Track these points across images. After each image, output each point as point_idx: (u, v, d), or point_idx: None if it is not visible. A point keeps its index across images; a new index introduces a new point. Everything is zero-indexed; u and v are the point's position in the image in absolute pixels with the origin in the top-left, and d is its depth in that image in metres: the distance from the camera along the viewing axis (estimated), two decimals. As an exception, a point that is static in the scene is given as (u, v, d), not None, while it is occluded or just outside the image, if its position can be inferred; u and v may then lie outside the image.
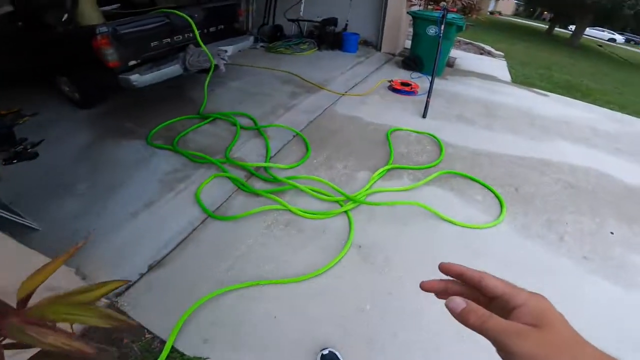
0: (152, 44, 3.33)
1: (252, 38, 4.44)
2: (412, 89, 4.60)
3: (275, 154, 3.12)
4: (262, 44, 6.50)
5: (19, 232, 1.99)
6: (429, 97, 4.05)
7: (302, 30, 6.67)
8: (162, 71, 3.34)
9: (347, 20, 6.45)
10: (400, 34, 6.27)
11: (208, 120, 3.58)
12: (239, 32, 4.37)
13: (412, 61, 5.50)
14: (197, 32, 3.55)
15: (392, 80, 4.81)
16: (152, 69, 3.29)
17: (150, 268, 1.97)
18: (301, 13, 6.71)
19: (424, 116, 4.00)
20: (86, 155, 2.97)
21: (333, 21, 6.37)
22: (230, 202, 2.55)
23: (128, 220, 2.24)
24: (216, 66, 3.78)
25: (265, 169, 2.86)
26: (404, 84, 4.68)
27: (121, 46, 3.05)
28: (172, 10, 3.41)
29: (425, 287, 0.42)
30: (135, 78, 3.15)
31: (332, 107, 4.04)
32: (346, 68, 5.27)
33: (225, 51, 3.93)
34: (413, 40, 5.52)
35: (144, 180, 2.63)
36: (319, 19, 6.44)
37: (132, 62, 3.26)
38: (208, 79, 3.82)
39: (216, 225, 2.33)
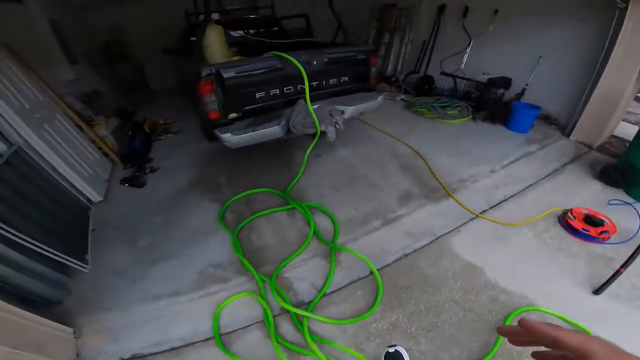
0: (257, 95, 2.95)
1: (381, 98, 3.59)
2: (601, 233, 2.53)
3: (331, 292, 2.24)
4: (403, 95, 5.59)
5: (67, 267, 2.34)
6: (625, 265, 2.10)
7: (458, 88, 5.37)
8: (258, 132, 2.88)
9: (526, 85, 4.76)
10: (611, 117, 4.03)
11: (285, 208, 2.98)
12: (367, 87, 3.61)
13: (620, 173, 3.17)
14: (307, 86, 2.96)
15: (569, 210, 2.77)
16: (248, 128, 2.89)
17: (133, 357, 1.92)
18: (462, 65, 5.42)
19: (596, 292, 2.13)
20: (170, 204, 3.17)
21: (504, 82, 4.75)
22: (245, 333, 2.00)
23: (147, 301, 2.22)
24: (323, 133, 3.13)
25: (302, 317, 2.02)
26: (590, 218, 2.64)
27: (224, 94, 2.75)
28: (283, 55, 2.91)
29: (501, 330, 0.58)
30: (227, 138, 2.81)
31: (448, 237, 2.65)
32: (503, 161, 3.65)
33: (342, 112, 3.24)
34: (636, 140, 3.19)
35: (189, 263, 2.49)
36: (485, 77, 4.99)
37: (233, 115, 2.94)
38: (309, 149, 3.23)
39: (212, 352, 1.92)
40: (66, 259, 2.27)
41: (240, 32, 4.88)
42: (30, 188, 2.52)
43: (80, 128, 3.80)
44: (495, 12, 4.93)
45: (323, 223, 2.81)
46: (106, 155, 4.05)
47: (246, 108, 2.96)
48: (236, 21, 5.23)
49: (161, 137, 4.87)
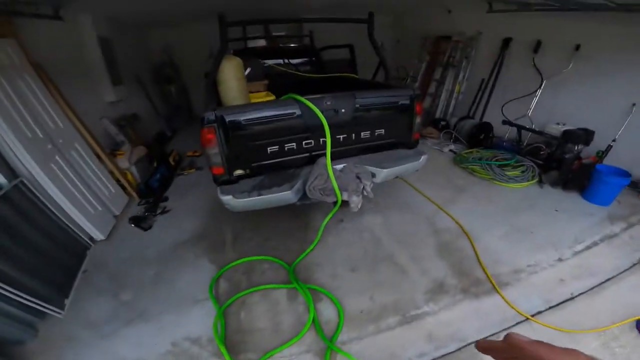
0: (269, 150, 2.50)
1: (424, 159, 2.94)
2: None
3: None
4: (453, 145, 4.86)
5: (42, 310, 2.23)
6: None
7: (522, 140, 4.51)
8: (265, 198, 2.42)
9: (613, 141, 3.79)
10: None
11: (286, 286, 2.47)
12: (408, 143, 3.02)
13: None
14: (329, 142, 2.46)
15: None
16: (253, 190, 2.44)
17: None
18: (529, 112, 4.57)
19: None
20: (168, 257, 2.93)
21: (583, 137, 3.81)
22: None
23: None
24: (345, 202, 2.60)
25: None
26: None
27: (228, 146, 2.35)
28: (301, 99, 2.41)
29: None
30: (227, 201, 2.41)
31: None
32: (575, 245, 2.83)
33: (373, 176, 2.68)
34: None
35: (165, 331, 2.22)
36: (559, 128, 4.06)
37: (239, 172, 2.53)
38: (327, 219, 2.73)
39: None
40: (39, 304, 2.19)
41: (274, 62, 4.61)
42: (25, 225, 2.46)
43: (100, 158, 3.67)
44: (577, 47, 4.07)
45: (327, 311, 2.27)
46: (124, 188, 3.90)
47: (255, 165, 2.53)
48: (272, 50, 4.96)
49: (184, 172, 4.69)
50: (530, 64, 4.57)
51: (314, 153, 2.61)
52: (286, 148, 2.51)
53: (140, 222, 3.47)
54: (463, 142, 5.00)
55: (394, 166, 2.71)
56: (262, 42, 6.41)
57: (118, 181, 3.84)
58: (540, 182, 3.86)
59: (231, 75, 2.63)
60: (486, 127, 4.84)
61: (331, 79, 4.35)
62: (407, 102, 2.81)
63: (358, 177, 2.57)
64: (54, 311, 2.26)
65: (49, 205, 2.77)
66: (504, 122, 4.54)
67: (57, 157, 3.06)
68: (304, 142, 2.54)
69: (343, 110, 2.55)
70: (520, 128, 4.34)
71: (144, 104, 6.15)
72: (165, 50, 7.16)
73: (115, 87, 4.97)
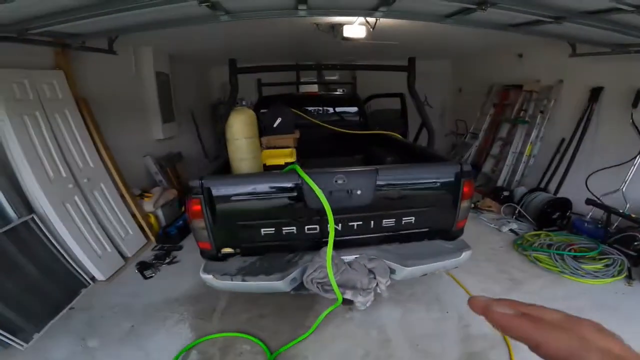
0: (263, 231, 2.11)
1: (466, 255, 2.26)
2: None
3: None
4: (515, 224, 3.96)
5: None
6: None
7: (610, 225, 3.44)
8: (248, 284, 2.06)
9: None
10: None
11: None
12: (448, 233, 2.36)
13: None
14: (331, 233, 1.97)
15: None
16: (237, 273, 2.07)
17: None
18: (623, 187, 3.53)
19: None
20: (152, 313, 2.70)
21: None
22: None
23: None
24: (347, 301, 2.06)
25: None
26: None
27: (214, 222, 2.03)
28: (303, 175, 1.98)
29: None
30: (207, 279, 2.10)
31: None
32: None
33: (391, 272, 2.12)
34: None
35: None
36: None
37: (228, 251, 2.20)
38: (324, 314, 2.20)
39: None
40: (2, 334, 2.22)
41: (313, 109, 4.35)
42: (24, 258, 2.58)
43: (125, 199, 3.68)
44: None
45: None
46: (144, 230, 3.84)
47: (246, 245, 2.16)
48: (309, 98, 4.74)
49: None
50: (628, 122, 3.60)
51: (318, 241, 2.15)
52: (284, 232, 2.10)
53: (145, 268, 3.31)
54: (529, 221, 4.03)
55: (422, 264, 2.12)
56: (309, 88, 6.37)
57: (139, 224, 3.79)
58: (629, 277, 2.84)
59: (240, 132, 2.36)
60: (562, 204, 3.86)
61: (368, 137, 3.94)
62: (452, 180, 2.18)
63: (372, 272, 2.03)
64: (17, 343, 2.26)
65: (55, 243, 2.83)
66: (589, 202, 3.53)
67: (75, 198, 3.08)
68: (307, 228, 2.10)
69: (359, 192, 2.05)
70: (611, 212, 3.30)
71: (193, 143, 6.32)
72: (222, 88, 7.50)
73: (166, 124, 5.11)
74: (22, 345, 2.27)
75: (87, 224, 3.11)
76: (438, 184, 2.18)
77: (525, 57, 5.23)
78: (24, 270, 2.55)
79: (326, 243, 2.00)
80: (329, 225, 1.94)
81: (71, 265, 2.89)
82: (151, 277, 3.20)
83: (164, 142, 5.18)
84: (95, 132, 3.48)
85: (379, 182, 2.05)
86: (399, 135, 3.55)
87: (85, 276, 2.99)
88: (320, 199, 1.89)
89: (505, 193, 4.65)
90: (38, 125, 2.86)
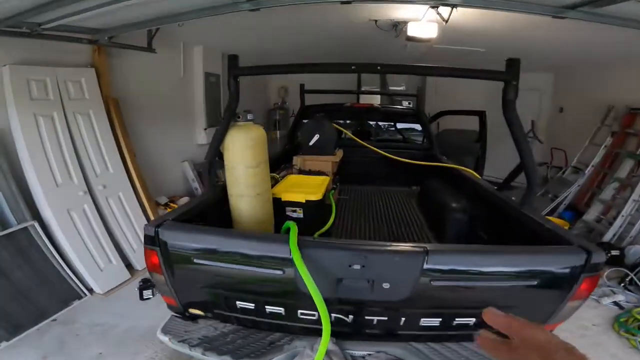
0: (239, 304, 1.48)
1: None
2: None
3: None
4: (621, 296, 2.74)
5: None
6: None
7: None
8: None
9: None
10: None
11: None
12: None
13: None
14: (326, 332, 1.24)
15: None
16: (199, 345, 1.47)
17: None
18: None
19: None
20: (127, 341, 2.37)
21: None
22: None
23: None
24: None
25: None
26: None
27: (173, 277, 1.47)
28: (293, 248, 1.26)
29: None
30: (164, 340, 1.56)
31: None
32: None
33: None
34: None
35: None
36: None
37: (197, 312, 1.61)
38: None
39: None
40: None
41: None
42: (16, 264, 2.44)
43: (144, 209, 3.39)
44: None
45: None
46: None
47: (219, 313, 1.54)
48: (363, 111, 3.97)
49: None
50: None
51: (314, 326, 1.42)
52: (267, 311, 1.43)
53: (146, 287, 2.92)
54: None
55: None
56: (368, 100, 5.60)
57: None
58: None
59: (238, 158, 1.74)
60: None
61: (429, 169, 3.07)
62: (564, 274, 1.27)
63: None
64: None
65: (53, 252, 2.64)
66: None
67: (84, 206, 2.83)
68: (299, 312, 1.40)
69: (387, 286, 1.28)
70: None
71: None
72: (279, 93, 7.16)
73: (210, 128, 4.83)
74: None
75: (92, 234, 2.84)
76: (538, 278, 1.28)
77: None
78: (13, 277, 2.41)
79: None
80: (323, 323, 1.20)
81: (68, 276, 2.68)
82: (148, 298, 2.81)
83: (205, 147, 4.90)
84: (121, 136, 3.24)
85: (427, 267, 1.24)
86: (476, 174, 2.61)
87: (83, 288, 2.75)
88: (312, 293, 1.17)
89: (614, 252, 3.36)
90: (53, 127, 2.65)
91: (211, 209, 1.78)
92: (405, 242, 2.27)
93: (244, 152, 1.75)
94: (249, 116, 1.78)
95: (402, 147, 3.85)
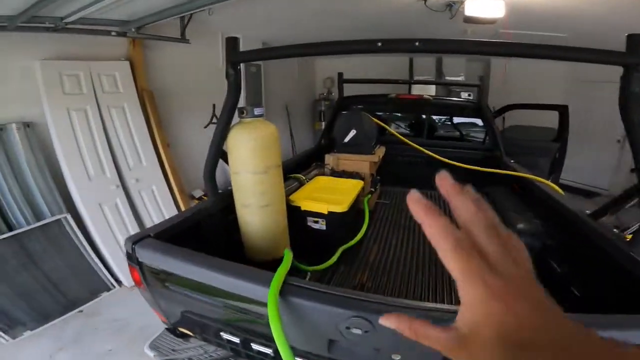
0: (224, 336, 1.23)
1: None
2: None
3: None
4: None
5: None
6: None
7: None
8: None
9: None
10: None
11: None
12: None
13: None
14: None
15: None
16: None
17: None
18: None
19: None
20: (139, 337, 2.28)
21: None
22: None
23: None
24: None
25: None
26: None
27: (162, 297, 1.30)
28: (272, 314, 0.88)
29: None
30: (149, 354, 1.44)
31: None
32: None
33: None
34: None
35: None
36: None
37: (186, 332, 1.42)
38: None
39: None
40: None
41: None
42: (47, 255, 2.48)
43: (177, 203, 3.35)
44: None
45: None
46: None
47: (207, 337, 1.31)
48: (412, 103, 3.43)
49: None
50: None
51: None
52: (254, 349, 1.15)
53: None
54: None
55: None
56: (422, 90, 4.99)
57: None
58: None
59: (243, 162, 1.47)
60: None
61: (491, 174, 2.51)
62: None
63: None
64: (2, 337, 2.17)
65: (85, 244, 2.66)
66: None
67: (117, 200, 2.83)
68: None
69: (398, 359, 0.89)
70: None
71: (284, 142, 5.90)
72: (324, 84, 6.84)
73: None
74: (6, 340, 2.17)
75: (123, 228, 2.84)
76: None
77: None
78: (46, 267, 2.47)
79: None
80: None
81: (99, 268, 2.71)
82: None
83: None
84: (156, 128, 3.20)
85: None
86: (558, 188, 2.00)
87: (112, 280, 2.77)
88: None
89: None
90: (86, 121, 2.65)
91: (211, 220, 1.54)
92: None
93: (247, 155, 1.47)
94: (257, 111, 1.48)
95: (459, 147, 3.30)
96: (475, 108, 3.09)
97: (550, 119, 3.99)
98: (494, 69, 5.70)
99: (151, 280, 1.23)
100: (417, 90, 5.30)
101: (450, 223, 0.28)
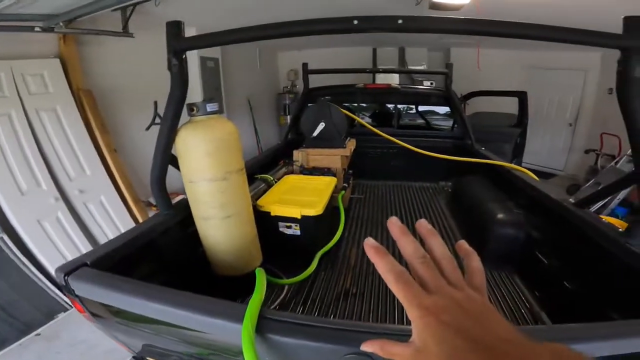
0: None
1: None
2: None
3: None
4: None
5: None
6: None
7: None
8: None
9: None
10: None
11: None
12: None
13: None
14: None
15: None
16: None
17: None
18: None
19: None
20: None
21: None
22: None
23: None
24: None
25: None
26: None
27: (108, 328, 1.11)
28: (245, 326, 0.78)
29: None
30: None
31: None
32: None
33: None
34: None
35: None
36: None
37: None
38: None
39: None
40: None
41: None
42: None
43: (132, 213, 3.02)
44: None
45: None
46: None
47: None
48: (379, 93, 3.33)
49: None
50: None
51: None
52: None
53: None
54: None
55: None
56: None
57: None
58: None
59: (198, 169, 1.26)
60: None
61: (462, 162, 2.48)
62: None
63: None
64: None
65: (27, 263, 2.35)
66: None
67: (58, 214, 2.49)
68: None
69: None
70: None
71: (248, 137, 5.64)
72: (288, 76, 6.62)
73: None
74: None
75: (71, 244, 2.52)
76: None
77: None
78: None
79: None
80: None
81: (48, 288, 2.42)
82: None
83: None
84: (98, 132, 2.84)
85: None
86: (534, 175, 1.97)
87: (67, 299, 2.44)
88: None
89: None
90: (11, 127, 2.27)
91: (167, 237, 1.33)
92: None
93: (202, 160, 1.26)
94: (210, 107, 1.27)
95: (428, 136, 3.27)
96: (444, 96, 3.06)
97: (510, 106, 4.11)
98: (455, 56, 5.80)
99: (98, 313, 1.02)
100: (380, 80, 5.26)
101: (394, 261, 0.35)
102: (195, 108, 1.26)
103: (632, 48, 0.86)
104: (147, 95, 3.42)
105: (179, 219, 1.40)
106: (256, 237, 1.55)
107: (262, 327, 0.76)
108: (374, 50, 6.11)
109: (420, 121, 3.71)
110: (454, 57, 6.06)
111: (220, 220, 1.33)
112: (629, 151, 4.03)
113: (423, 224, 0.38)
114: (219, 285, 1.44)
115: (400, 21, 0.87)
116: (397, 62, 5.94)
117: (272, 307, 1.53)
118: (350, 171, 2.94)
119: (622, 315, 1.02)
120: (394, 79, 5.36)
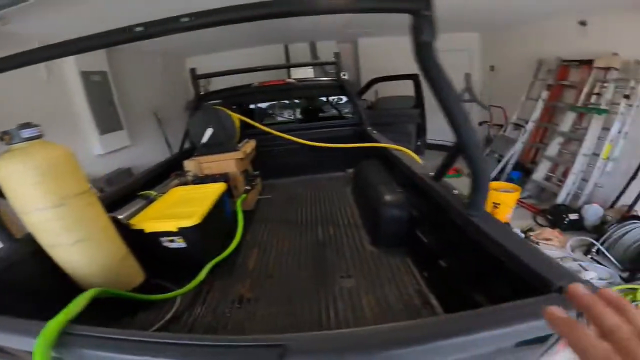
0: None
1: None
2: None
3: None
4: (593, 273, 2.50)
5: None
6: None
7: None
8: None
9: None
10: None
11: None
12: None
13: None
14: None
15: None
16: None
17: None
18: None
19: None
20: None
21: None
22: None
23: None
24: None
25: None
26: None
27: None
28: None
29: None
30: None
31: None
32: None
33: None
34: None
35: None
36: None
37: None
38: None
39: None
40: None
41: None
42: None
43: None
44: None
45: None
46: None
47: None
48: (273, 90, 3.30)
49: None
50: None
51: None
52: None
53: None
54: (616, 265, 2.53)
55: None
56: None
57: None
58: None
59: (24, 201, 1.10)
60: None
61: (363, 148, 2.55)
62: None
63: None
64: None
65: None
66: None
67: None
68: None
69: None
70: None
71: (159, 152, 5.22)
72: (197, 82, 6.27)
73: (107, 135, 4.01)
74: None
75: None
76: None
77: (591, 25, 3.62)
78: None
79: None
80: None
81: None
82: None
83: (108, 156, 4.09)
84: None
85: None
86: (415, 155, 2.06)
87: None
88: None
89: (573, 216, 3.12)
90: None
91: (19, 269, 1.15)
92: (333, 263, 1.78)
93: (28, 191, 1.11)
94: (26, 132, 1.12)
95: (332, 126, 3.33)
96: (338, 85, 3.14)
97: (412, 89, 4.38)
98: (358, 45, 6.02)
99: None
100: (299, 75, 5.25)
101: (595, 335, 0.31)
102: (8, 136, 1.10)
103: (417, 10, 0.83)
104: (24, 118, 3.00)
105: (32, 249, 1.21)
106: (128, 255, 1.44)
107: (68, 344, 0.69)
108: (286, 47, 6.10)
109: (322, 113, 3.79)
110: (362, 47, 6.31)
111: (70, 247, 1.19)
112: (513, 119, 4.59)
113: (606, 293, 0.35)
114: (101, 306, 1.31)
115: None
116: (310, 57, 6.00)
117: (163, 320, 1.44)
118: (257, 172, 2.89)
119: (484, 294, 0.99)
120: (308, 73, 5.41)
